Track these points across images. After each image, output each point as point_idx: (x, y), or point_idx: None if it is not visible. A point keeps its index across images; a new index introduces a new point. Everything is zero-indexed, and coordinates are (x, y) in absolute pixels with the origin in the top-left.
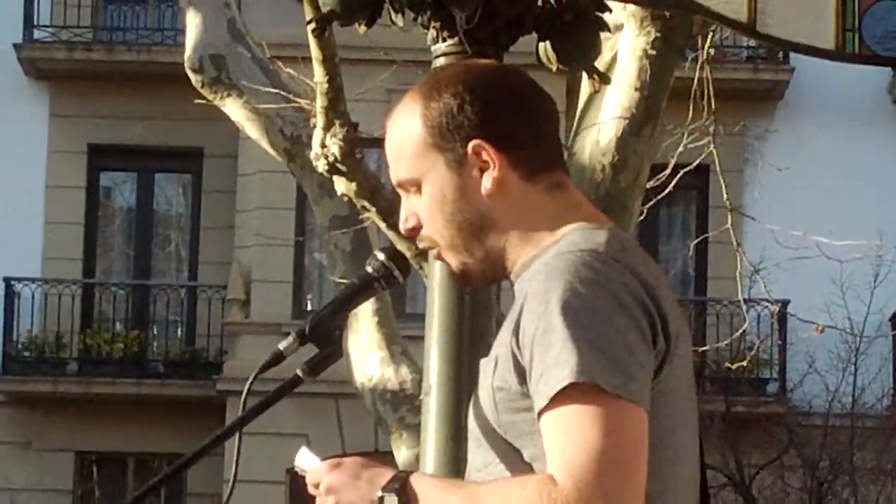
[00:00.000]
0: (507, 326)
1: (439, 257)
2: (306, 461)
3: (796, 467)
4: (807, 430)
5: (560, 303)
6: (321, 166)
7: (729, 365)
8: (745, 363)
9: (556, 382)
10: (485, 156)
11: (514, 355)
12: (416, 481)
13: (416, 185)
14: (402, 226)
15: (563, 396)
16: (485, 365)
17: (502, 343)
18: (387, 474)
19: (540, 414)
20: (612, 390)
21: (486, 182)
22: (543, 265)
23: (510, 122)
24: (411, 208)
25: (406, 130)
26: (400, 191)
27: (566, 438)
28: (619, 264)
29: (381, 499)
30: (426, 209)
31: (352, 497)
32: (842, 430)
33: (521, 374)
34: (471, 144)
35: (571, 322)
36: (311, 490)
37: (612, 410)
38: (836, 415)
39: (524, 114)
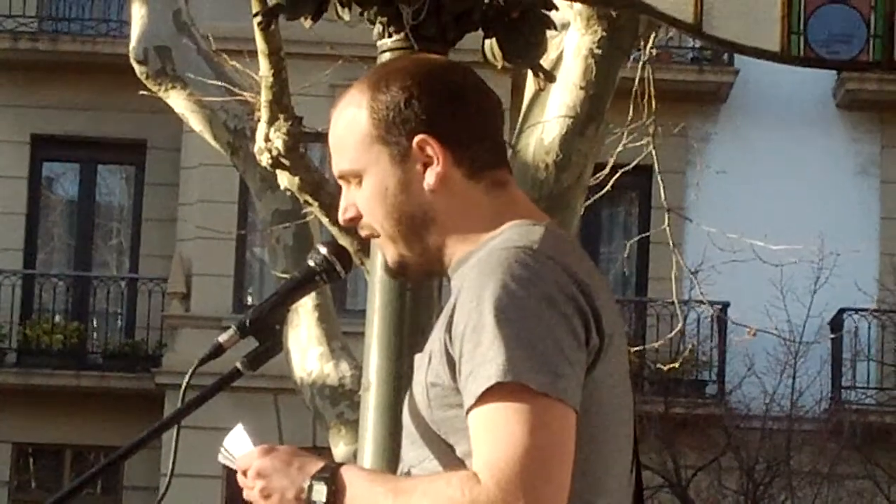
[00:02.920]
0: (441, 322)
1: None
2: (238, 445)
3: (733, 469)
4: (744, 432)
5: (491, 299)
6: (265, 160)
7: (662, 366)
8: (676, 365)
9: (484, 380)
10: (429, 151)
11: (446, 351)
12: (346, 472)
13: (358, 177)
14: (341, 216)
15: (489, 394)
16: (419, 360)
17: (436, 338)
18: (318, 463)
19: (468, 412)
20: (538, 389)
21: (430, 177)
22: (478, 261)
23: (456, 119)
24: (351, 199)
25: (351, 122)
26: (341, 182)
27: (490, 437)
28: (552, 262)
29: (310, 486)
30: (367, 201)
31: (282, 483)
32: (779, 432)
33: (454, 369)
34: (416, 139)
35: (501, 319)
36: (239, 478)
37: (538, 409)
38: (773, 417)
39: (471, 111)
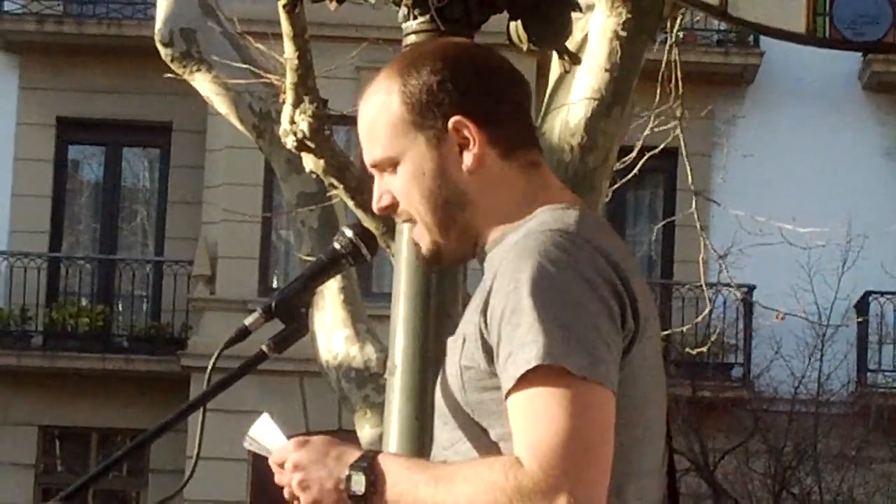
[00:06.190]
0: (476, 304)
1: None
2: (267, 434)
3: (761, 453)
4: (772, 415)
5: (529, 283)
6: (290, 143)
7: (690, 350)
8: (705, 349)
9: (523, 364)
10: (465, 132)
11: (482, 334)
12: (384, 460)
13: (393, 164)
14: (376, 205)
15: (529, 378)
16: (452, 343)
17: (470, 321)
18: (355, 452)
19: (507, 395)
20: (578, 372)
21: (468, 159)
22: (513, 244)
23: (490, 98)
24: (386, 187)
25: (383, 108)
26: (373, 171)
27: (532, 420)
28: (589, 245)
29: (349, 476)
30: (403, 186)
31: (319, 474)
32: (806, 416)
33: (489, 353)
34: (451, 120)
35: (540, 302)
36: (274, 468)
37: (579, 392)
38: (801, 401)
39: (502, 91)
